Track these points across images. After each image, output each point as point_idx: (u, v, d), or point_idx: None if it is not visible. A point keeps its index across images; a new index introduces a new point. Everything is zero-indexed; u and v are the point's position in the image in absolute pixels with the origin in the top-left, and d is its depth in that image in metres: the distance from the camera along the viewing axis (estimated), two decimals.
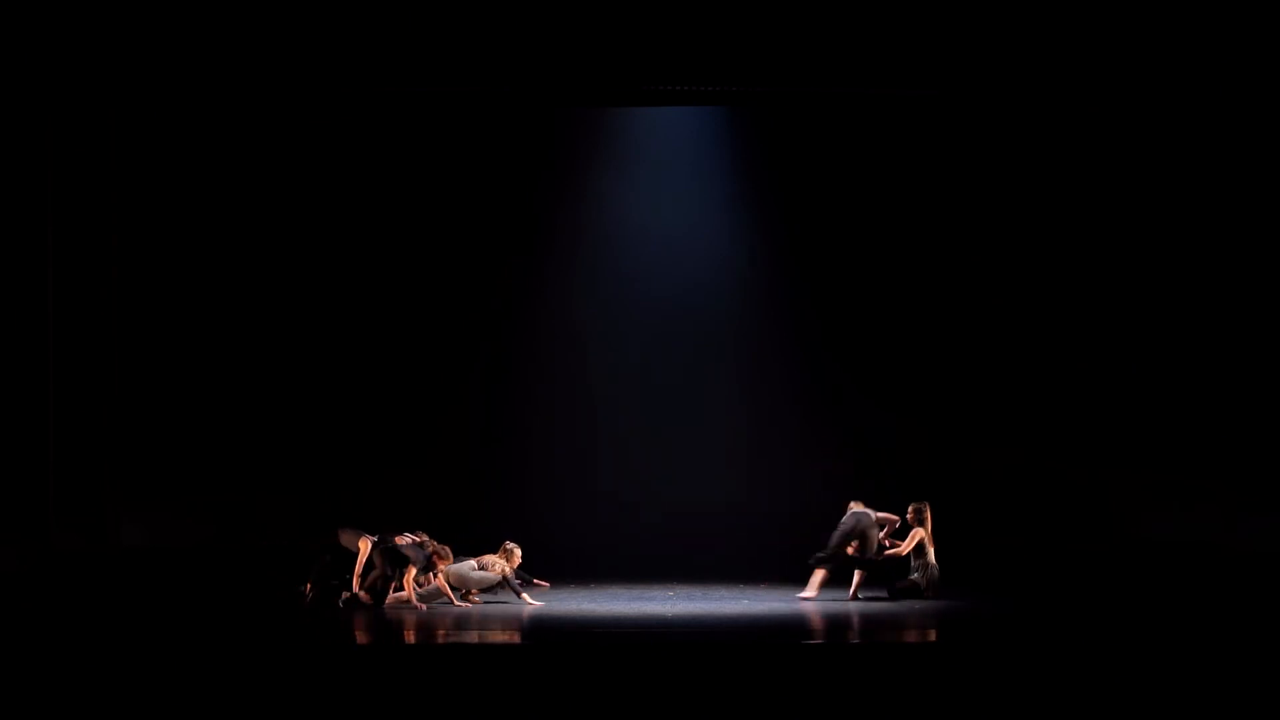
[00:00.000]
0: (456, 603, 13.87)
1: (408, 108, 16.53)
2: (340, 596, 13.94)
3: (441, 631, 12.74)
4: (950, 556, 14.57)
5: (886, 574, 14.40)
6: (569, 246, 17.48)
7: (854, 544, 14.25)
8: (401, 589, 13.81)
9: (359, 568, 13.85)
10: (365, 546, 13.87)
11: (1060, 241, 16.61)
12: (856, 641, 12.24)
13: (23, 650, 11.30)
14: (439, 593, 13.89)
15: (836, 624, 13.11)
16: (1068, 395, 16.51)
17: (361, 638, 12.41)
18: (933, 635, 12.67)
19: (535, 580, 14.29)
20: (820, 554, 14.30)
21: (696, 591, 14.96)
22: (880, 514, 14.42)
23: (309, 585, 14.07)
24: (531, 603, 13.84)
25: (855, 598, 14.20)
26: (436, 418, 17.24)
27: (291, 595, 14.11)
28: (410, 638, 12.41)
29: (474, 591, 14.13)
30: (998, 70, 14.71)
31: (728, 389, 17.43)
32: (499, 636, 12.47)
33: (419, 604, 13.68)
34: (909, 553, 14.32)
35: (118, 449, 15.92)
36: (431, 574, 13.87)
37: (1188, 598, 14.04)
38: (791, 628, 12.88)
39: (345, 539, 14.04)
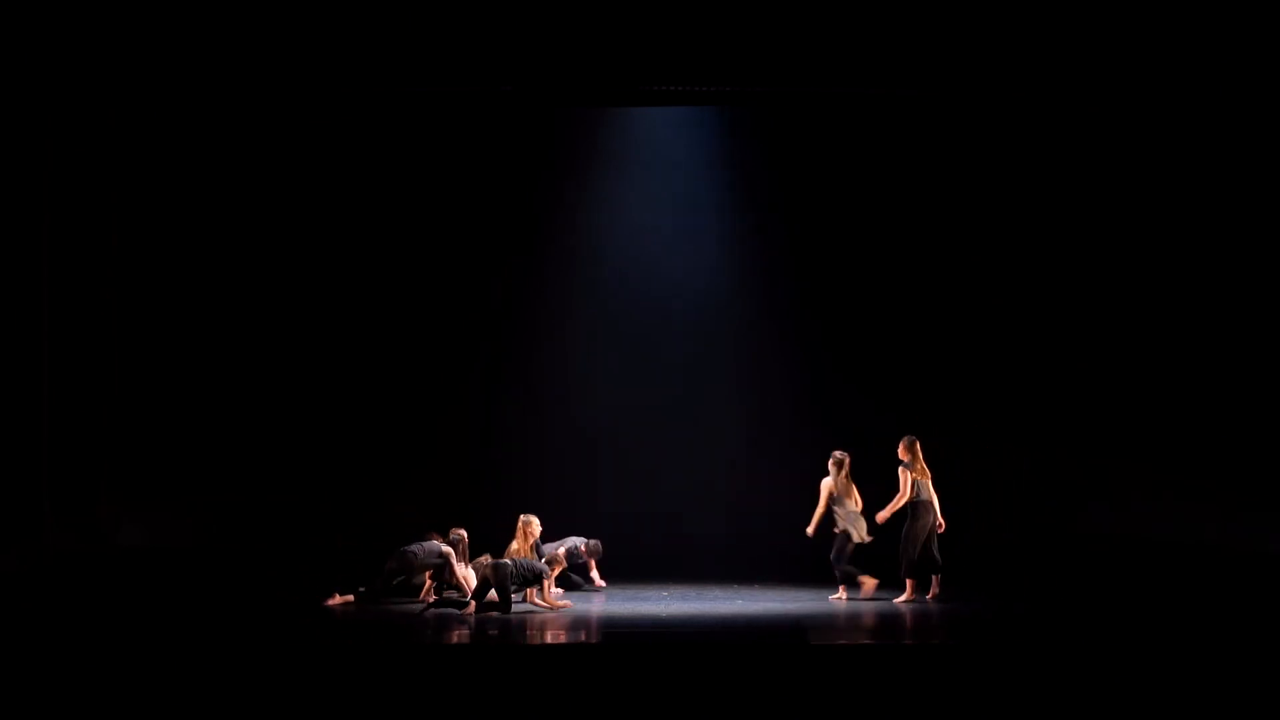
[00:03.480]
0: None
1: (407, 108, 16.52)
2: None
3: (437, 633, 12.77)
4: (949, 557, 14.56)
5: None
6: (568, 246, 17.50)
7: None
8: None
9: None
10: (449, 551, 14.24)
11: (1058, 240, 16.59)
12: (852, 642, 12.23)
13: (20, 650, 11.32)
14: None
15: (833, 624, 13.10)
16: (1064, 394, 16.49)
17: (357, 639, 12.40)
18: (930, 636, 12.67)
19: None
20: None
21: (691, 591, 14.97)
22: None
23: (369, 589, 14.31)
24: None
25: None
26: (435, 418, 17.25)
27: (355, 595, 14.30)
28: (406, 639, 12.43)
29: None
30: (993, 71, 14.70)
31: (726, 388, 17.43)
32: (495, 638, 12.47)
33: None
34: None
35: (114, 449, 15.93)
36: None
37: (1183, 597, 14.05)
38: (787, 628, 12.89)
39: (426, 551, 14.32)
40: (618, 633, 12.73)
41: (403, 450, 17.06)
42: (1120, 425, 16.19)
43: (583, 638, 12.36)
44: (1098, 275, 16.45)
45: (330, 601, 14.00)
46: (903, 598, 14.11)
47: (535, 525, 14.26)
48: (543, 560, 13.99)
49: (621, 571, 15.38)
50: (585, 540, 15.11)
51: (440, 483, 17.03)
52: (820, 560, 14.75)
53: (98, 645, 11.60)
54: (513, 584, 13.58)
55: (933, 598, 14.11)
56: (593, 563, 15.13)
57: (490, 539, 14.64)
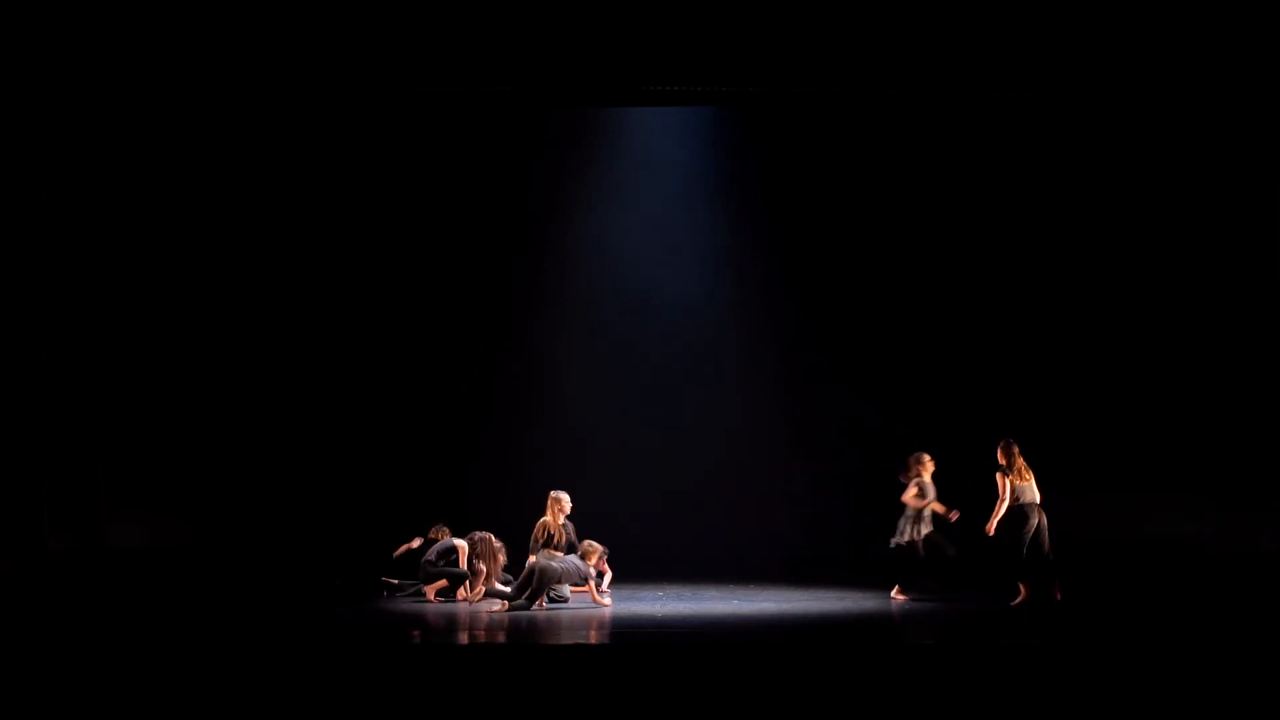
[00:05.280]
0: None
1: (403, 108, 16.52)
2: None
3: (436, 632, 12.83)
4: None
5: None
6: (563, 245, 17.50)
7: None
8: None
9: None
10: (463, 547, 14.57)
11: (1042, 239, 16.62)
12: (849, 642, 12.30)
13: (18, 653, 11.34)
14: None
15: (828, 626, 13.17)
16: (1049, 393, 16.55)
17: (353, 639, 12.45)
18: (925, 636, 12.73)
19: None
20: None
21: (687, 591, 15.03)
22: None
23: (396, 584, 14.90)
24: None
25: None
26: (430, 420, 17.28)
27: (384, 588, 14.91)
28: (401, 639, 12.48)
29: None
30: (984, 71, 14.74)
31: (722, 388, 17.46)
32: (491, 638, 12.52)
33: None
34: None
35: (111, 450, 15.92)
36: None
37: (1175, 597, 14.14)
38: (782, 628, 12.94)
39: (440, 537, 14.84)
40: (613, 633, 12.77)
41: (397, 452, 17.09)
42: (1102, 425, 16.27)
43: (578, 638, 12.40)
44: (1081, 273, 16.48)
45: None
46: (1018, 599, 14.08)
47: (566, 501, 14.29)
48: (579, 554, 14.20)
49: (617, 572, 15.40)
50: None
51: (437, 482, 17.08)
52: (814, 560, 14.84)
53: (96, 647, 11.61)
54: (565, 583, 13.90)
55: (1055, 600, 13.96)
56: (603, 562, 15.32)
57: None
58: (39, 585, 14.61)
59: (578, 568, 13.92)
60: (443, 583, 14.64)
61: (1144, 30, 14.50)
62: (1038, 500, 14.07)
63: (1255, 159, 15.37)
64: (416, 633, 12.83)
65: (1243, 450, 15.54)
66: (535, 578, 13.77)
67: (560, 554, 14.12)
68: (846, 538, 16.60)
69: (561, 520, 14.26)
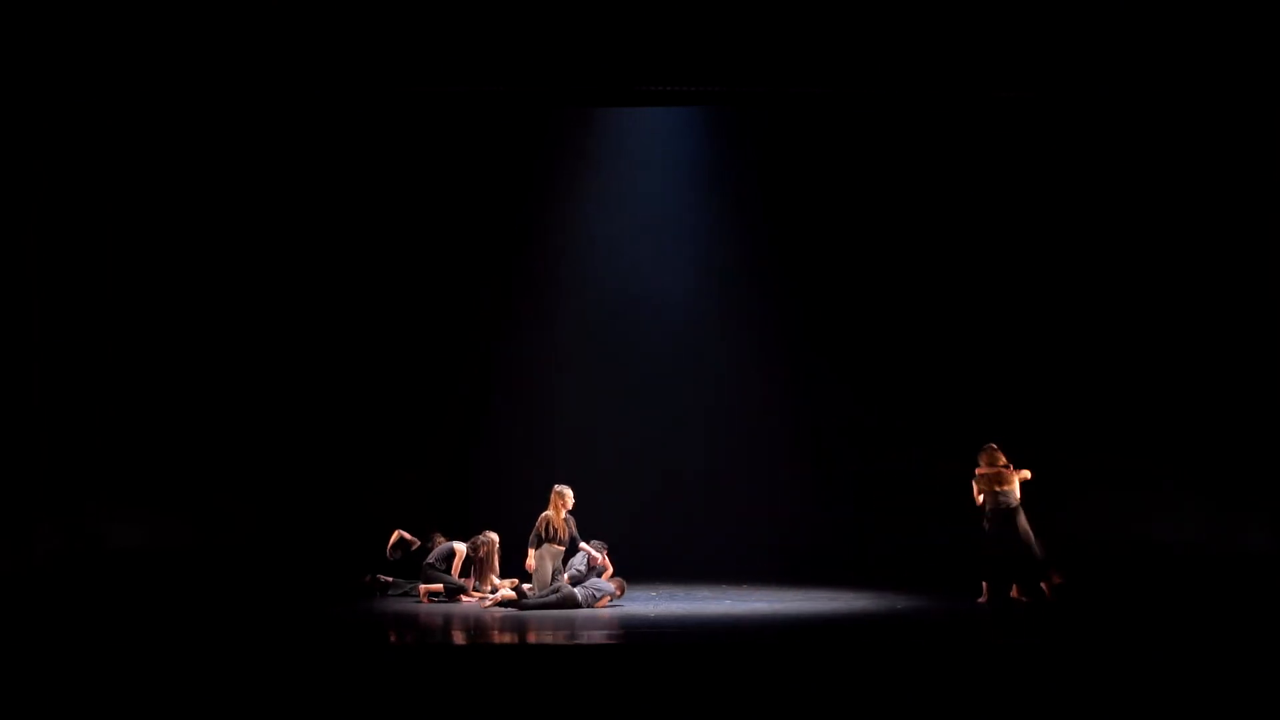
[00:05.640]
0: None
1: (400, 108, 16.57)
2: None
3: (430, 632, 12.84)
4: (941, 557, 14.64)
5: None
6: (557, 245, 17.55)
7: None
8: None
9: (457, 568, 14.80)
10: (460, 551, 14.76)
11: (1048, 240, 16.64)
12: (841, 643, 12.29)
13: (15, 652, 11.37)
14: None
15: (820, 626, 13.17)
16: (1049, 394, 16.55)
17: (347, 640, 12.46)
18: (915, 635, 12.73)
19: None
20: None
21: (680, 591, 15.03)
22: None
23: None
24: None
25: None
26: (426, 420, 17.32)
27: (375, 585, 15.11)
28: (396, 639, 12.50)
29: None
30: (975, 71, 14.75)
31: (714, 388, 17.51)
32: (485, 638, 12.54)
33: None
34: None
35: (111, 451, 15.97)
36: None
37: (1164, 596, 14.14)
38: (778, 629, 12.94)
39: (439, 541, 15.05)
40: (606, 633, 12.78)
41: (392, 453, 17.12)
42: (1101, 427, 16.26)
43: (569, 639, 12.42)
44: (1080, 273, 16.49)
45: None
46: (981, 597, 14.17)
47: (569, 496, 14.34)
48: (587, 555, 14.29)
49: (615, 571, 15.42)
50: (591, 552, 15.27)
51: (437, 482, 17.11)
52: (812, 560, 14.83)
53: (95, 648, 11.63)
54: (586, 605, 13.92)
55: (1047, 600, 13.99)
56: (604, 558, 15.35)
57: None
58: (37, 586, 14.63)
59: (598, 592, 13.97)
60: (437, 586, 14.69)
61: (1144, 30, 14.50)
62: (1014, 504, 14.05)
63: (1255, 159, 15.36)
64: (411, 634, 12.85)
65: (1241, 450, 15.53)
66: (559, 602, 13.82)
67: (562, 549, 14.19)
68: (845, 538, 16.64)
69: (564, 515, 14.27)
